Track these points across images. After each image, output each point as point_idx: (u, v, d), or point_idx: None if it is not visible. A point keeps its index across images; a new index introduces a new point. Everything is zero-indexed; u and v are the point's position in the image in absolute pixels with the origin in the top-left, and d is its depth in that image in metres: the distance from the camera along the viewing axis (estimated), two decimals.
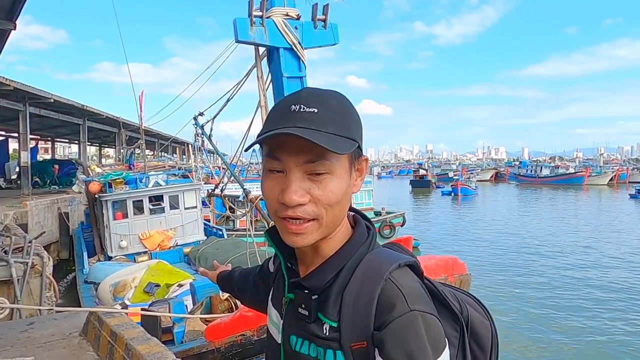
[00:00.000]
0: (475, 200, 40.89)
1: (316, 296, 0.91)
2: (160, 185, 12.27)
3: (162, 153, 27.93)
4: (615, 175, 57.83)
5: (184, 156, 34.43)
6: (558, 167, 65.04)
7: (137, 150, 15.54)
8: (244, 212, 14.09)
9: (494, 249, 17.42)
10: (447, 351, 0.84)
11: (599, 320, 10.20)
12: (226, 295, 4.87)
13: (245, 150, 1.00)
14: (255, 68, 4.39)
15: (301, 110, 0.84)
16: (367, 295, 0.85)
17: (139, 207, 12.21)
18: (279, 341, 1.00)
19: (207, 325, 4.54)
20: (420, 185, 54.87)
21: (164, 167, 13.77)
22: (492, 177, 73.26)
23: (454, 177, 53.17)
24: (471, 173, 68.67)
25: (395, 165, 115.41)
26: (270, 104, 4.45)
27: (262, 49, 4.38)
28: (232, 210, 16.77)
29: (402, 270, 0.89)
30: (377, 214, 19.67)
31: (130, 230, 12.13)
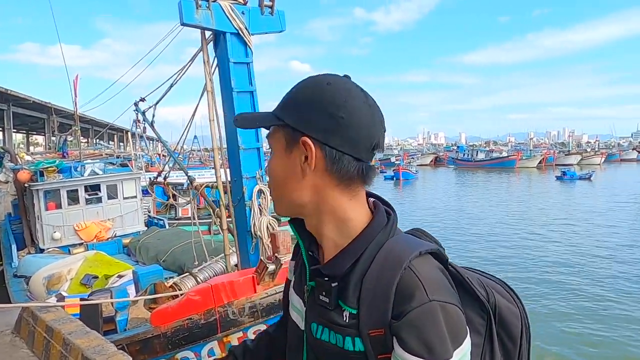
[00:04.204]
0: (415, 184, 42.29)
1: (336, 283, 0.91)
2: (97, 174, 11.73)
3: (98, 141, 26.60)
4: (543, 159, 61.70)
5: (120, 144, 32.99)
6: (492, 151, 68.45)
7: (70, 138, 14.72)
8: (186, 200, 13.84)
9: (434, 230, 18.04)
10: (468, 341, 0.84)
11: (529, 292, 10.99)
12: (171, 281, 4.83)
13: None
14: (202, 52, 4.32)
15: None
16: (385, 283, 0.85)
17: (73, 197, 11.61)
18: (302, 328, 1.01)
19: (151, 312, 4.50)
20: None
21: (101, 155, 13.15)
22: (431, 161, 75.98)
23: (396, 162, 54.57)
24: (412, 158, 70.80)
25: None
26: (217, 89, 4.41)
27: (208, 33, 4.31)
28: (174, 198, 16.39)
29: (423, 258, 0.88)
30: None
31: (64, 221, 11.53)
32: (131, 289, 5.15)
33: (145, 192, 13.51)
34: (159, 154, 31.51)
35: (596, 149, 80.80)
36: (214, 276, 5.10)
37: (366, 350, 0.86)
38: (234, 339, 3.55)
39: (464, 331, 0.84)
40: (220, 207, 4.60)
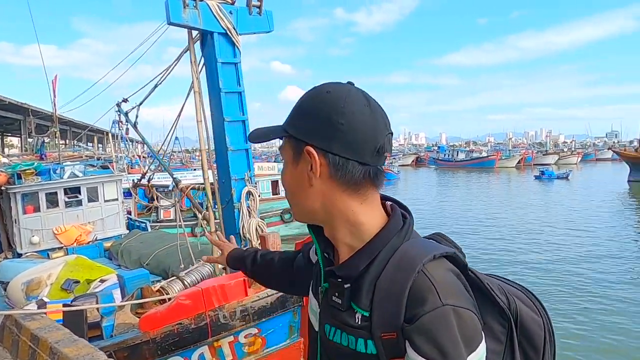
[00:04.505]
0: (397, 184, 42.58)
1: (349, 285, 0.92)
2: (77, 177, 11.49)
3: (77, 142, 26.08)
4: (522, 158, 62.75)
5: (99, 145, 32.41)
6: (473, 152, 69.36)
7: (47, 139, 14.36)
8: (170, 202, 13.64)
9: (417, 229, 18.23)
10: (482, 346, 0.83)
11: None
12: (158, 286, 4.74)
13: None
14: (188, 52, 4.25)
15: None
16: (398, 286, 0.85)
17: (52, 200, 11.35)
18: (317, 329, 1.02)
19: (138, 317, 4.40)
20: None
21: (81, 157, 12.88)
22: (413, 161, 76.62)
23: None
24: (394, 158, 71.28)
25: None
26: (204, 89, 4.35)
27: (195, 33, 4.25)
28: (156, 200, 16.14)
29: (437, 261, 0.88)
30: None
31: (43, 224, 11.26)
32: (117, 293, 5.04)
33: (126, 194, 13.29)
34: (139, 156, 31.11)
35: (573, 149, 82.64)
36: (201, 280, 5.03)
37: (378, 353, 0.86)
38: (225, 344, 3.50)
39: (479, 336, 0.84)
40: (208, 209, 4.53)
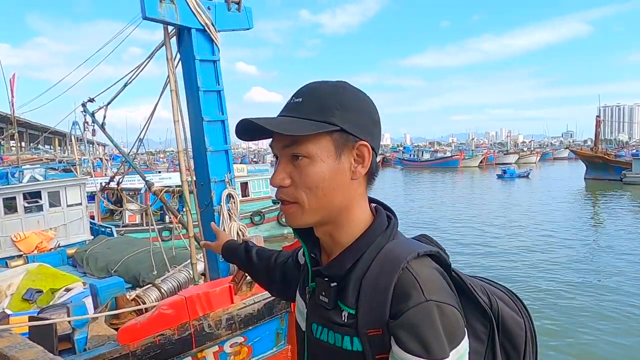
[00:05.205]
0: None
1: (335, 284, 0.93)
2: (38, 181, 10.94)
3: (36, 145, 24.95)
4: (484, 158, 64.55)
5: (58, 147, 31.17)
6: (437, 152, 70.78)
7: (2, 142, 13.64)
8: (141, 206, 13.20)
9: None
10: (465, 342, 0.84)
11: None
12: (133, 294, 4.51)
13: (241, 139, 0.97)
14: (165, 48, 4.05)
15: (292, 101, 0.94)
16: (383, 283, 0.86)
17: (10, 206, 10.79)
18: (304, 329, 1.04)
19: (113, 328, 4.17)
20: None
21: (41, 160, 12.28)
22: (379, 162, 77.17)
23: None
24: None
25: None
26: (181, 87, 4.16)
27: (171, 28, 4.06)
28: (119, 204, 15.58)
29: (421, 259, 0.89)
30: (276, 202, 19.69)
31: (0, 231, 10.70)
32: (88, 303, 4.76)
33: (89, 198, 12.76)
34: (101, 158, 30.12)
35: (532, 149, 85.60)
36: (178, 287, 4.83)
37: (364, 350, 0.87)
38: (209, 354, 3.34)
39: (461, 332, 0.85)
40: (187, 212, 4.35)
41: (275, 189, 0.95)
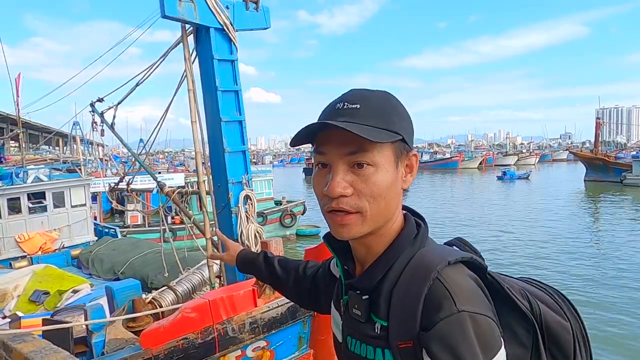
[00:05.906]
0: None
1: (367, 297, 0.92)
2: (42, 181, 10.85)
3: (40, 146, 24.86)
4: (483, 159, 64.60)
5: (56, 147, 31.12)
6: (436, 153, 70.80)
7: (6, 142, 13.55)
8: (133, 207, 13.12)
9: None
10: (502, 353, 0.81)
11: None
12: (150, 297, 4.45)
13: (292, 146, 0.93)
14: (182, 47, 3.99)
15: (344, 107, 0.90)
16: (414, 294, 0.84)
17: (14, 206, 10.70)
18: (340, 340, 1.03)
19: (131, 331, 4.11)
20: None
21: (45, 160, 12.21)
22: None
23: None
24: None
25: (286, 154, 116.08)
26: (198, 87, 4.11)
27: (188, 27, 4.00)
28: (122, 204, 15.50)
29: (453, 267, 0.87)
30: (278, 203, 19.61)
31: (4, 232, 10.60)
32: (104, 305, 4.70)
33: (92, 199, 12.67)
34: (101, 159, 30.04)
35: (531, 150, 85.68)
36: (192, 289, 4.77)
37: None
38: (232, 358, 3.28)
39: (497, 343, 0.81)
40: (204, 213, 4.29)
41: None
